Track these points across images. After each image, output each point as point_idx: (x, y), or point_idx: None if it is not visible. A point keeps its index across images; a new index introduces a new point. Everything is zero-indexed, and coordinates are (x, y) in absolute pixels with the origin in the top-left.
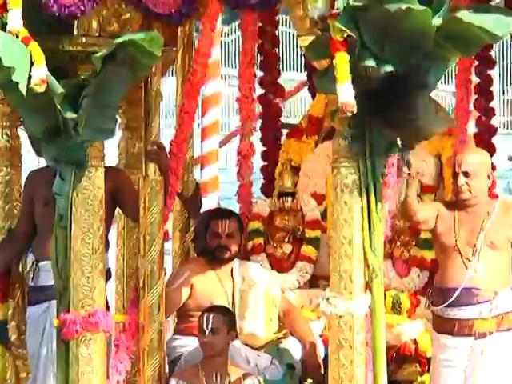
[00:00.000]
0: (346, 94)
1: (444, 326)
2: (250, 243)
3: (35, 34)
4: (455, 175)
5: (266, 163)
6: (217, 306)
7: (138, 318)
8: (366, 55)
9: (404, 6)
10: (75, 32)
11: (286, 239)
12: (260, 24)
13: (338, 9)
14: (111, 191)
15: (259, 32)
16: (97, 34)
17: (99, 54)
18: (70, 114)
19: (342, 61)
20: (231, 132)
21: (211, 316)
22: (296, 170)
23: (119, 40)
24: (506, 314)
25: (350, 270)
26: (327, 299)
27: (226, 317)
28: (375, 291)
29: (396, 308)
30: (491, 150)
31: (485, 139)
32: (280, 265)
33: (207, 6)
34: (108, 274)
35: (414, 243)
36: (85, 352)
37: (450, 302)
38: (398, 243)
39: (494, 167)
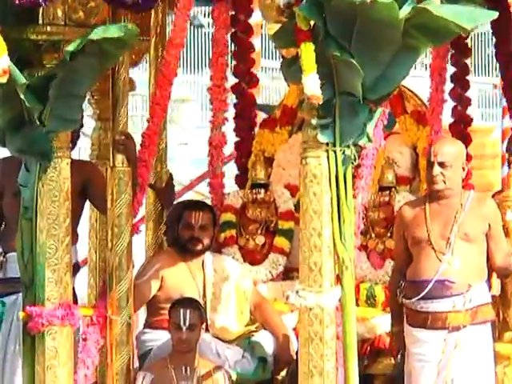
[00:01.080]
0: (311, 84)
1: (417, 320)
2: (223, 235)
3: (1, 24)
4: (430, 165)
5: (239, 154)
6: (188, 298)
7: (106, 311)
8: (330, 44)
9: None
10: (40, 21)
11: (259, 231)
12: (233, 12)
13: None
14: (80, 183)
15: (232, 20)
16: (62, 23)
17: (70, 48)
18: (33, 104)
19: (307, 51)
20: None
21: (188, 311)
22: (270, 161)
23: (94, 36)
24: (479, 307)
25: (320, 263)
26: (297, 292)
27: (200, 311)
28: (346, 284)
29: (370, 300)
30: (467, 140)
31: (460, 129)
32: (252, 257)
33: None
34: (76, 267)
35: (388, 235)
36: (51, 345)
37: (422, 294)
38: (373, 235)
39: (469, 158)
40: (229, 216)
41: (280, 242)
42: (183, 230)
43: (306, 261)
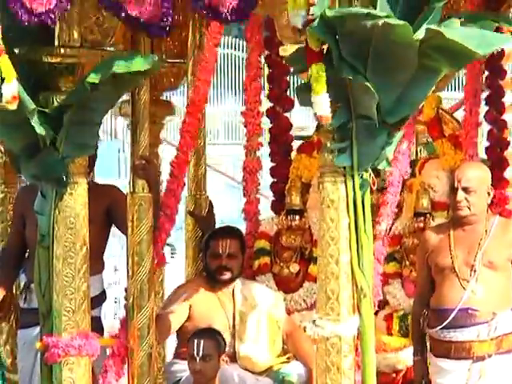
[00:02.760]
0: (321, 105)
1: (440, 349)
2: (256, 262)
3: (17, 46)
4: (454, 191)
5: (275, 179)
6: (206, 329)
7: (127, 342)
8: (344, 66)
9: (380, 22)
10: (56, 42)
11: (293, 258)
12: (266, 34)
13: (312, 15)
14: (104, 208)
15: (265, 42)
16: (78, 44)
17: (91, 79)
18: (44, 131)
19: (317, 72)
20: None
21: (202, 341)
22: (307, 187)
23: (117, 68)
24: (505, 336)
25: (337, 291)
26: (313, 321)
27: (217, 341)
28: (364, 312)
29: (403, 330)
30: (503, 164)
31: (497, 153)
32: (287, 285)
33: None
34: (103, 297)
35: None
36: (68, 376)
37: (446, 323)
38: (407, 262)
39: (505, 183)
40: (263, 243)
41: (315, 270)
42: (211, 259)
43: (323, 288)
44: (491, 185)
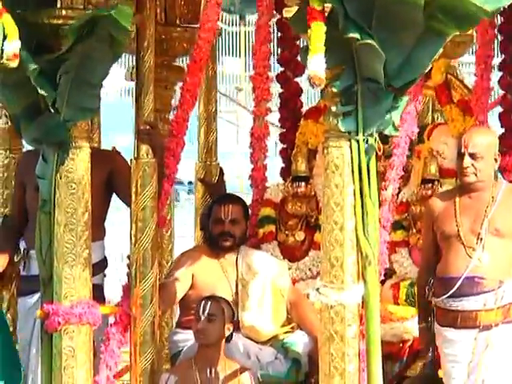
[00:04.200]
0: (316, 65)
1: (447, 319)
2: (261, 230)
3: (18, 7)
4: (460, 156)
5: (284, 145)
6: (216, 296)
7: (130, 310)
8: (350, 27)
9: None
10: (59, 4)
11: (299, 226)
12: None
13: None
14: (105, 174)
15: (277, 5)
16: (81, 7)
17: (70, 27)
18: (45, 91)
19: (316, 31)
20: None
21: (209, 302)
22: (313, 153)
23: (88, 15)
24: None
25: (342, 258)
26: (317, 289)
27: (225, 307)
28: (369, 280)
29: (410, 299)
30: None
31: (510, 119)
32: (292, 253)
33: None
34: (105, 263)
35: None
36: (68, 345)
37: (452, 292)
38: (414, 230)
39: None
40: (268, 211)
41: (321, 238)
42: (214, 225)
43: (327, 256)
44: (504, 151)
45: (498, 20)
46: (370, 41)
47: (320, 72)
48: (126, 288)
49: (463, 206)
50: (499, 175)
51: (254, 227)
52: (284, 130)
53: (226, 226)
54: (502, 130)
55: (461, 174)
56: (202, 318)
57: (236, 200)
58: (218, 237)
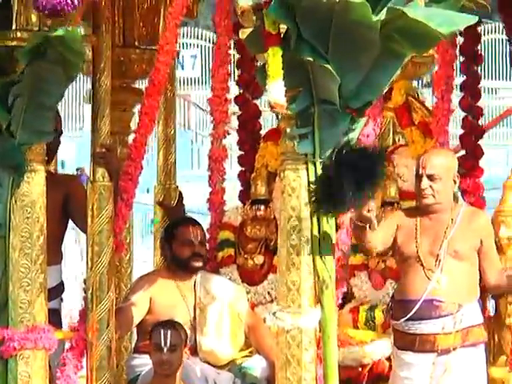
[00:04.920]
0: (276, 92)
1: (405, 342)
2: (220, 254)
3: None
4: (419, 178)
5: (243, 168)
6: (169, 320)
7: (86, 335)
8: (304, 48)
9: None
10: (14, 26)
11: (258, 250)
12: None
13: None
14: (61, 198)
15: (234, 27)
16: (36, 28)
17: (23, 50)
18: None
19: (273, 56)
20: None
21: (169, 332)
22: (273, 176)
23: (38, 37)
24: (471, 328)
25: (298, 282)
26: (274, 313)
27: (182, 333)
28: (326, 304)
29: (369, 323)
30: (478, 153)
31: (471, 141)
32: (251, 277)
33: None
34: (62, 288)
35: (390, 254)
36: (23, 370)
37: (410, 315)
38: (374, 254)
39: (479, 171)
40: (227, 234)
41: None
42: (182, 247)
43: (283, 279)
44: (465, 173)
45: (459, 40)
46: (323, 63)
47: (281, 99)
48: (82, 312)
49: (423, 227)
50: (460, 197)
51: (213, 250)
52: (243, 153)
53: (197, 248)
54: (463, 152)
55: (419, 195)
56: (165, 349)
57: (198, 222)
58: (189, 259)
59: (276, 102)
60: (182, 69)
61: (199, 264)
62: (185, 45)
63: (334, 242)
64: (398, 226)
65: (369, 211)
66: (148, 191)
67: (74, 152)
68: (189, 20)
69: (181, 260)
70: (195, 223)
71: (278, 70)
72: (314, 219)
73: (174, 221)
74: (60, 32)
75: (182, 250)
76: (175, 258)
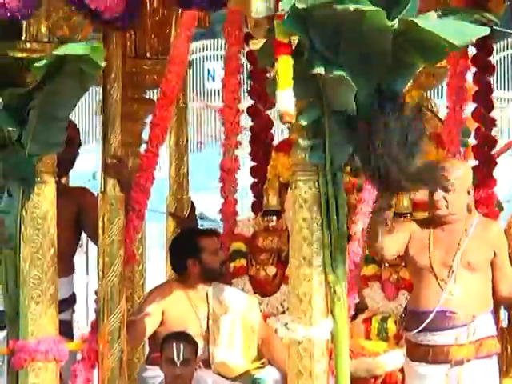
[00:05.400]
0: (285, 101)
1: (418, 353)
2: (232, 265)
3: None
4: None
5: (255, 180)
6: (180, 332)
7: (98, 346)
8: (315, 60)
9: (352, 7)
10: (24, 37)
11: (270, 261)
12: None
13: (283, 10)
14: (74, 211)
15: (246, 38)
16: (45, 39)
17: (38, 64)
18: (9, 126)
19: (284, 65)
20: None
21: (181, 345)
22: (285, 187)
23: (59, 52)
24: (484, 340)
25: (310, 293)
26: (285, 324)
27: (195, 345)
28: (338, 315)
29: (382, 334)
30: (491, 163)
31: (484, 152)
32: (263, 288)
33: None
34: (73, 299)
35: (403, 264)
36: (34, 382)
37: (423, 326)
38: (387, 264)
39: (492, 183)
40: (239, 245)
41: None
42: (212, 256)
43: (295, 291)
44: (477, 184)
45: (472, 50)
46: (339, 72)
47: (290, 108)
48: (94, 324)
49: (436, 239)
50: (473, 208)
51: (225, 261)
52: (255, 164)
53: (223, 255)
54: (476, 163)
55: (432, 206)
56: (178, 363)
57: (213, 232)
58: (221, 267)
59: (285, 112)
60: (213, 80)
61: (227, 271)
62: (215, 56)
63: (345, 253)
64: (410, 235)
65: (385, 211)
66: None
67: None
68: (202, 30)
69: (214, 270)
70: (213, 233)
71: (288, 79)
72: (326, 230)
73: (190, 232)
74: (84, 49)
75: (214, 259)
76: (207, 269)
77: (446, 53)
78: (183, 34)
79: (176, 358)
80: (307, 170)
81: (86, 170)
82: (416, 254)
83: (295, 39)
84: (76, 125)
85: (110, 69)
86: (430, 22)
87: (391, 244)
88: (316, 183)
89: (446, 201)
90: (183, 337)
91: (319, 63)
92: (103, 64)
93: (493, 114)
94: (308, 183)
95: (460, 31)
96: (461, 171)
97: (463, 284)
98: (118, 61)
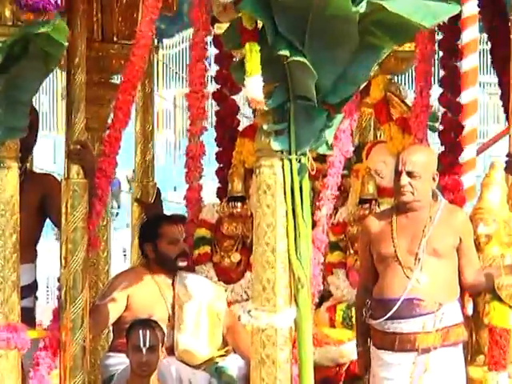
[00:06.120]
0: (253, 87)
1: (384, 341)
2: (196, 252)
3: None
4: (398, 175)
5: (220, 165)
6: (147, 319)
7: (60, 334)
8: (281, 44)
9: None
10: None
11: (235, 247)
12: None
13: None
14: (39, 197)
15: (212, 22)
16: (10, 23)
17: (0, 46)
18: None
19: (251, 52)
20: (489, 140)
21: (148, 332)
22: (251, 173)
23: (21, 32)
24: (451, 328)
25: (273, 280)
26: (248, 311)
27: (159, 332)
28: (301, 303)
29: (347, 322)
30: (458, 150)
31: (450, 138)
32: (227, 275)
33: None
34: (35, 286)
35: None
36: None
37: (390, 314)
38: (352, 251)
39: (458, 168)
40: (203, 231)
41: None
42: (169, 245)
43: (258, 278)
44: (444, 170)
45: (438, 35)
46: (300, 58)
47: (258, 95)
48: (56, 311)
49: (400, 226)
50: (439, 195)
51: (190, 248)
52: (220, 150)
53: (183, 246)
54: (442, 149)
55: (398, 192)
56: (144, 350)
57: (182, 218)
58: (178, 257)
59: (254, 98)
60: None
61: (185, 263)
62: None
63: (310, 239)
64: (370, 240)
65: None
66: (175, 189)
67: None
68: (168, 14)
69: (168, 259)
70: (179, 221)
71: (256, 65)
72: (290, 216)
73: (157, 218)
74: (46, 28)
75: (169, 248)
76: (161, 257)
77: (413, 33)
78: (147, 17)
79: (142, 345)
80: (271, 156)
81: None
82: (379, 244)
83: (261, 23)
84: (36, 109)
85: (74, 53)
86: (398, 3)
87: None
88: (280, 169)
89: (412, 187)
90: (149, 324)
91: (284, 47)
92: (66, 44)
93: (492, 100)
94: (272, 169)
95: (429, 11)
96: (426, 157)
97: (430, 271)
98: (83, 44)
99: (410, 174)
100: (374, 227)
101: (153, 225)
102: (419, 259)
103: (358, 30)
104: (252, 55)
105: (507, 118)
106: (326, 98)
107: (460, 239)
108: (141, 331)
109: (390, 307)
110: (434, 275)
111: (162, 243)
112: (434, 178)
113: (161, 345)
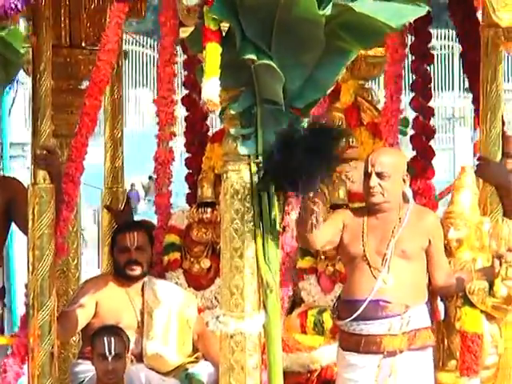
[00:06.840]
0: (210, 89)
1: (350, 343)
2: (166, 258)
3: None
4: (367, 176)
5: (190, 171)
6: (110, 326)
7: (27, 341)
8: (247, 47)
9: None
10: None
11: (205, 254)
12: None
13: None
14: (4, 202)
15: (180, 27)
16: None
17: None
18: None
19: (211, 53)
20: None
21: (112, 339)
22: (220, 178)
23: None
24: (418, 331)
25: (242, 286)
26: (217, 317)
27: (125, 339)
28: (270, 308)
29: (318, 328)
30: (429, 154)
31: (422, 142)
32: (197, 281)
33: None
34: (2, 292)
35: (339, 257)
36: None
37: (356, 315)
38: (323, 257)
39: (431, 172)
40: (173, 238)
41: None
42: (119, 253)
43: (226, 284)
44: (415, 174)
45: (409, 39)
46: (267, 61)
47: (214, 96)
48: (24, 318)
49: (370, 227)
50: (410, 198)
51: (159, 254)
52: (189, 155)
53: (133, 254)
54: (414, 153)
55: (367, 194)
56: (110, 358)
57: (139, 226)
58: (125, 265)
59: (209, 100)
60: None
61: (135, 272)
62: None
63: (278, 244)
64: (344, 224)
65: (314, 203)
66: (177, 195)
67: None
68: (136, 20)
69: (119, 267)
70: (135, 229)
71: (215, 67)
72: (258, 221)
73: (119, 226)
74: (1, 32)
75: (120, 256)
76: (114, 264)
77: (382, 36)
78: (113, 22)
79: (107, 353)
80: (238, 160)
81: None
82: (349, 243)
83: (226, 26)
84: None
85: (40, 58)
86: (365, 5)
87: (321, 235)
88: (248, 173)
89: (382, 188)
90: (114, 331)
91: (251, 50)
92: (22, 50)
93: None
94: (239, 173)
95: (397, 13)
96: (396, 158)
97: (397, 273)
98: (49, 50)
99: (379, 175)
100: (350, 220)
101: (114, 232)
102: (387, 259)
103: (325, 33)
104: (211, 56)
105: (476, 122)
106: (293, 102)
107: (429, 241)
108: (106, 338)
109: (356, 308)
110: (402, 277)
111: (115, 251)
112: (404, 180)
113: (127, 352)
